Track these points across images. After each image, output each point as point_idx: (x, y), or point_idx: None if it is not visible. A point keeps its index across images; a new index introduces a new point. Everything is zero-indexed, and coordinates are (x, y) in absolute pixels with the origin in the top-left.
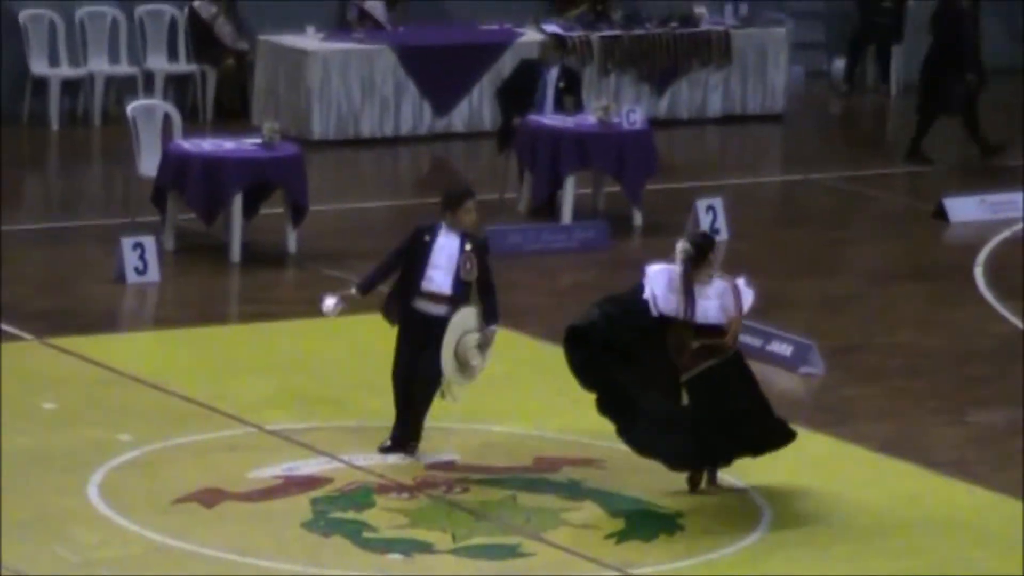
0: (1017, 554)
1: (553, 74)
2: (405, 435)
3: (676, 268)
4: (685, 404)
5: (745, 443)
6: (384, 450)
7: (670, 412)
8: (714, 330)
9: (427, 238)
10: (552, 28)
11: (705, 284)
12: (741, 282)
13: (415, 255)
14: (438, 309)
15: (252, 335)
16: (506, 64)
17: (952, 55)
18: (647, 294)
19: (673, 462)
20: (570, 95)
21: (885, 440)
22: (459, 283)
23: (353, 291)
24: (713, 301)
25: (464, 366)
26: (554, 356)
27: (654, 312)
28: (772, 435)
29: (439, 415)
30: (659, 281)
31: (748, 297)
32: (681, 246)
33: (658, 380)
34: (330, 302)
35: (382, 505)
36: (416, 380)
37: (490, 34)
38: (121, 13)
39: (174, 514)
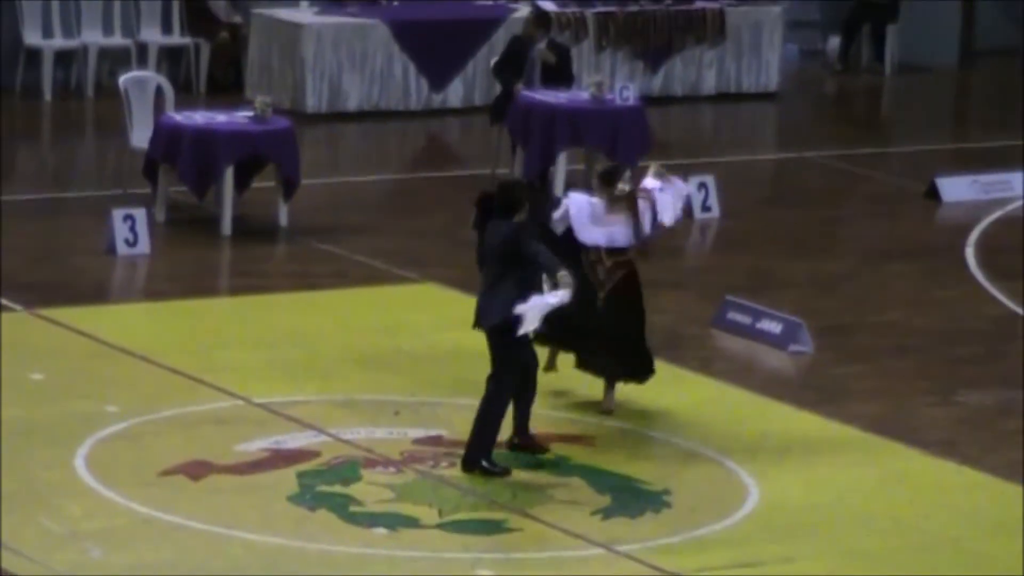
0: (1005, 534)
1: (540, 50)
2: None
3: (595, 200)
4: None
5: (625, 367)
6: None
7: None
8: (623, 251)
9: None
10: (546, 4)
11: (619, 211)
12: (663, 191)
13: None
14: None
15: (242, 308)
16: (500, 40)
17: None
18: (560, 215)
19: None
20: (560, 71)
21: (874, 419)
22: None
23: None
24: (620, 227)
25: None
26: None
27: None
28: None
29: (427, 390)
30: (582, 213)
31: (667, 206)
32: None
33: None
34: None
35: (368, 479)
36: None
37: (484, 9)
38: None
39: (160, 486)
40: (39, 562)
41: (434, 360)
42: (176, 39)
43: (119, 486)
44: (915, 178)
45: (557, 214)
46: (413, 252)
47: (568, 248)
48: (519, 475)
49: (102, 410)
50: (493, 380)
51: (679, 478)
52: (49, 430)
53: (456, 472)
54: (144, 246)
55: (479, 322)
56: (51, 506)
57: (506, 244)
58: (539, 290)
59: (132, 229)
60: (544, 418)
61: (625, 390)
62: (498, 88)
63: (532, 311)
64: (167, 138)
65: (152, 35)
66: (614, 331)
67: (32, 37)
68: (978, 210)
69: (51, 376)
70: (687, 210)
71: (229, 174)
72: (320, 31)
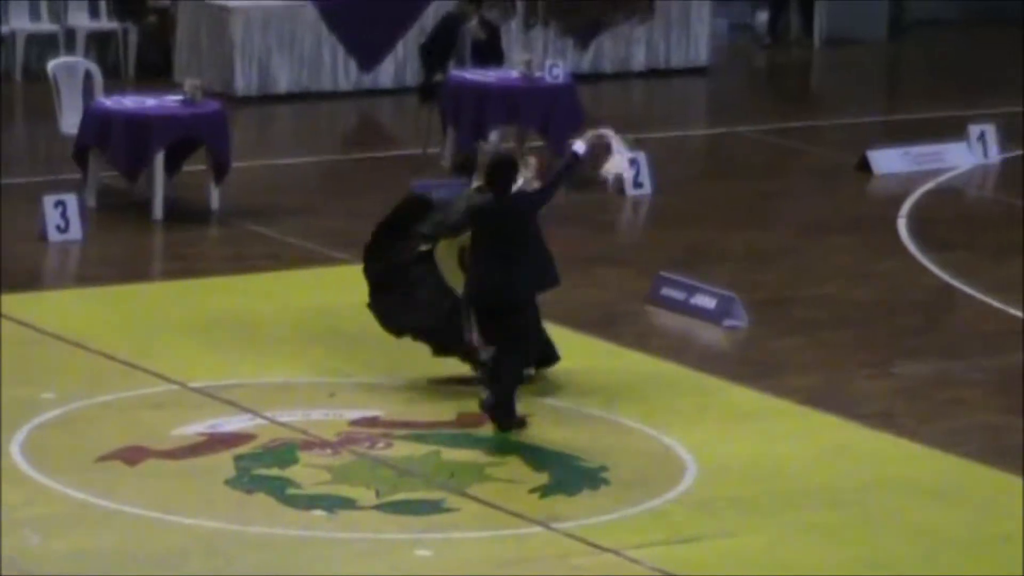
0: (944, 504)
1: (471, 28)
2: None
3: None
4: None
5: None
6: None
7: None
8: None
9: None
10: None
11: None
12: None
13: None
14: None
15: (176, 292)
16: (429, 19)
17: None
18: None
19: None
20: (489, 49)
21: (812, 393)
22: None
23: None
24: None
25: None
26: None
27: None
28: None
29: (362, 371)
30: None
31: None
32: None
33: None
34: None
35: (306, 461)
36: None
37: None
38: None
39: (97, 472)
40: None
41: (369, 341)
42: (104, 24)
43: (56, 473)
44: (847, 151)
45: None
46: (347, 233)
47: None
48: (456, 454)
49: (38, 397)
50: (516, 343)
51: (617, 454)
52: None
53: (393, 452)
54: (76, 232)
55: (537, 286)
56: None
57: (528, 215)
58: None
59: (64, 215)
60: (478, 397)
61: (566, 368)
62: None
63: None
64: (97, 123)
65: (80, 20)
66: None
67: None
68: (910, 182)
69: None
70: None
71: (160, 158)
72: (249, 13)
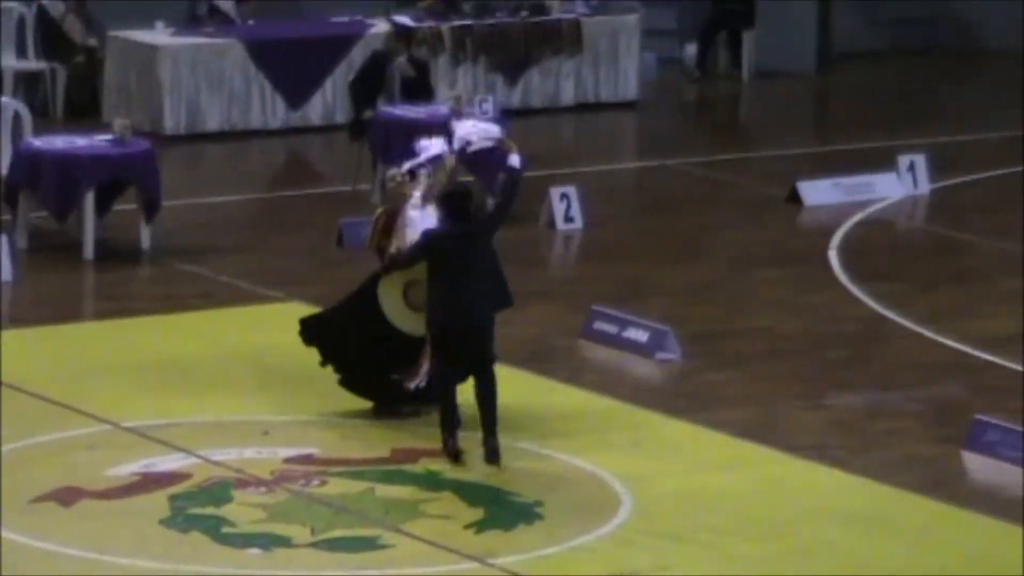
0: (878, 534)
1: (400, 65)
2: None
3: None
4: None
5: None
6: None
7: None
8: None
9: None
10: (402, 19)
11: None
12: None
13: None
14: None
15: (108, 332)
16: (358, 56)
17: None
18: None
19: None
20: (419, 86)
21: (745, 425)
22: None
23: None
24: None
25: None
26: None
27: None
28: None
29: (296, 409)
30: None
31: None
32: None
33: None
34: None
35: (240, 500)
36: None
37: (341, 26)
38: None
39: (32, 514)
40: None
41: (302, 379)
42: (32, 64)
43: None
44: (777, 183)
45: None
46: (278, 271)
47: None
48: (391, 490)
49: None
50: (490, 368)
51: (551, 489)
52: None
53: (328, 490)
54: (6, 273)
55: (497, 306)
56: None
57: (485, 239)
58: None
59: None
60: (413, 433)
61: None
62: None
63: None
64: (27, 163)
65: (7, 60)
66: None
67: None
68: (840, 213)
69: None
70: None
71: (90, 198)
72: (176, 52)
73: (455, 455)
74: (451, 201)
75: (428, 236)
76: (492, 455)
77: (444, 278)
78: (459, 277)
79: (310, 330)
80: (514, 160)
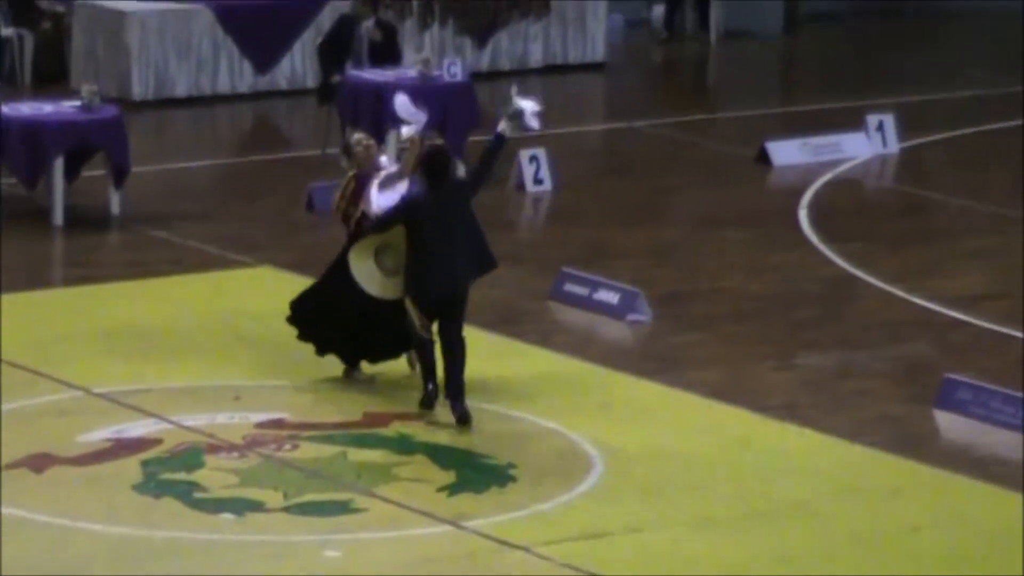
0: (849, 495)
1: (368, 28)
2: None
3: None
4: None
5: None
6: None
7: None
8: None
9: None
10: None
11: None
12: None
13: None
14: None
15: (77, 298)
16: (325, 20)
17: None
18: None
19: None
20: (386, 49)
21: (715, 386)
22: None
23: None
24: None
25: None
26: None
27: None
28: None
29: (267, 374)
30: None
31: (373, 194)
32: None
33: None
34: None
35: (212, 465)
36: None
37: None
38: None
39: (4, 480)
40: None
41: (273, 343)
42: None
43: None
44: (745, 144)
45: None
46: (247, 236)
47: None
48: (363, 454)
49: None
50: (460, 327)
51: (523, 452)
52: None
53: (300, 454)
54: None
55: (475, 272)
56: None
57: (465, 202)
58: None
59: None
60: (385, 397)
61: (470, 366)
62: None
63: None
64: None
65: None
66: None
67: None
68: (809, 173)
69: None
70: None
71: (59, 164)
72: (144, 18)
73: (431, 402)
74: (431, 163)
75: (407, 200)
76: (464, 419)
77: (424, 243)
78: (440, 241)
79: (297, 314)
80: (502, 127)
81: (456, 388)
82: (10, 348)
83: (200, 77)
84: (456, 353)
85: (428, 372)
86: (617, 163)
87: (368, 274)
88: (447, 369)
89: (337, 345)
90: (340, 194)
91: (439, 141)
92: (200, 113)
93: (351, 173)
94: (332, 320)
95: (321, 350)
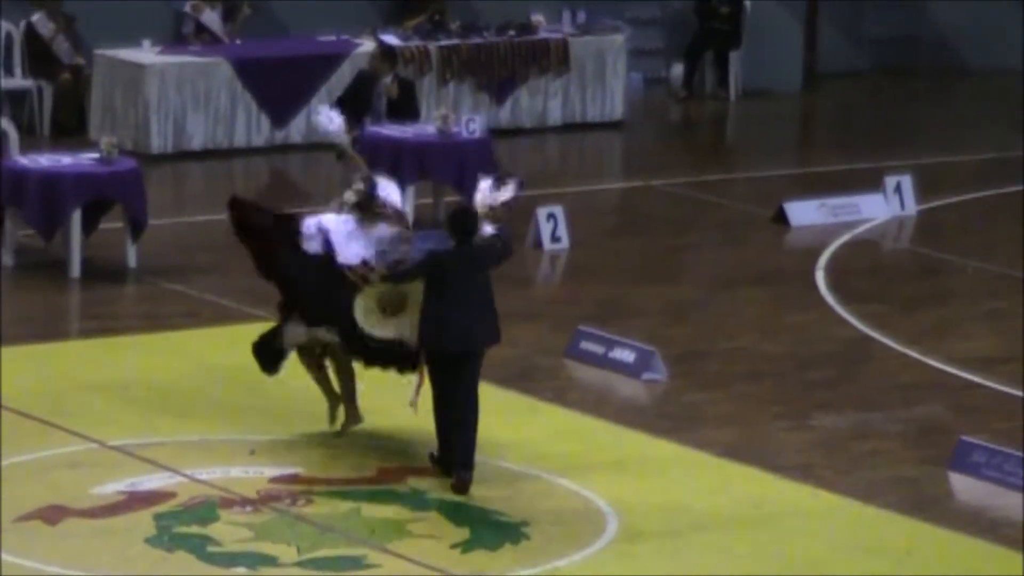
0: (863, 555)
1: (385, 85)
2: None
3: (350, 217)
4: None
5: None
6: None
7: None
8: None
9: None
10: (388, 38)
11: (371, 229)
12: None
13: None
14: None
15: (93, 351)
16: (344, 75)
17: None
18: (317, 247)
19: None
20: (405, 105)
21: (729, 446)
22: None
23: None
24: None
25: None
26: None
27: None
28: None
29: (281, 428)
30: (340, 232)
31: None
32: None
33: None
34: None
35: (226, 519)
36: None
37: (327, 45)
38: None
39: (16, 532)
40: None
41: (287, 399)
42: (18, 81)
43: None
44: (763, 203)
45: (308, 237)
46: (263, 290)
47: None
48: (377, 510)
49: None
50: (475, 391)
51: (537, 509)
52: None
53: (314, 509)
54: None
55: (492, 337)
56: None
57: (489, 266)
58: None
59: None
60: (399, 452)
61: (485, 423)
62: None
63: None
64: (12, 182)
65: None
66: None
67: None
68: (826, 234)
69: None
70: None
71: (76, 216)
72: (163, 71)
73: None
74: (458, 221)
75: (432, 255)
76: (463, 487)
77: (445, 296)
78: (459, 298)
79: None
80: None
81: (466, 453)
82: (25, 399)
83: (217, 130)
84: (469, 419)
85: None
86: (634, 221)
87: (368, 311)
88: (458, 435)
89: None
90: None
91: (461, 198)
92: (217, 166)
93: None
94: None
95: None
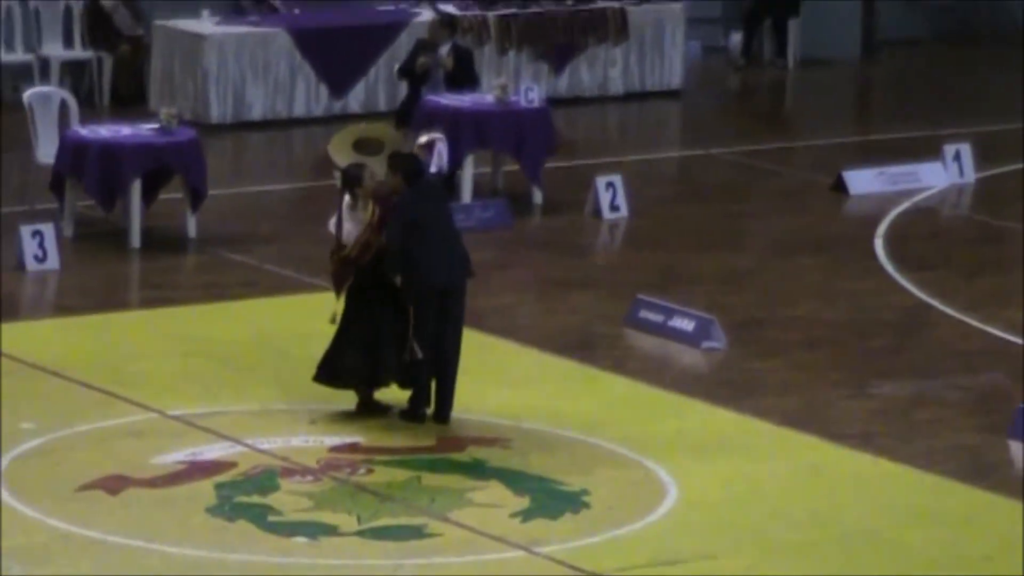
0: (922, 524)
1: (444, 53)
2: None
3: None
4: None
5: (388, 369)
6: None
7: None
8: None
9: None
10: (447, 7)
11: (359, 210)
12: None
13: None
14: None
15: (153, 320)
16: (403, 44)
17: None
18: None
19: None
20: (463, 74)
21: (788, 414)
22: None
23: None
24: (353, 224)
25: None
26: None
27: None
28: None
29: (341, 398)
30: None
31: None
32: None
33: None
34: None
35: (286, 488)
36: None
37: (386, 15)
38: (15, 0)
39: (78, 501)
40: None
41: None
42: (78, 53)
43: (36, 502)
44: (822, 171)
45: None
46: (322, 259)
47: None
48: (437, 479)
49: (17, 427)
50: (459, 330)
51: (597, 478)
52: None
53: (374, 479)
54: (53, 261)
55: (468, 272)
56: None
57: (447, 199)
58: None
59: (41, 245)
60: (459, 422)
61: (544, 392)
62: (402, 92)
63: None
64: (73, 152)
65: (54, 49)
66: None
67: None
68: (885, 202)
69: None
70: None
71: (136, 187)
72: (222, 41)
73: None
74: (403, 163)
75: (401, 205)
76: (444, 417)
77: (423, 238)
78: (435, 236)
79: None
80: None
81: (447, 390)
82: (86, 370)
83: (277, 100)
84: (453, 360)
85: (421, 396)
86: (693, 190)
87: (344, 153)
88: (439, 384)
89: (351, 372)
90: (365, 227)
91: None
92: (275, 136)
93: (372, 204)
94: (346, 345)
95: (335, 378)
